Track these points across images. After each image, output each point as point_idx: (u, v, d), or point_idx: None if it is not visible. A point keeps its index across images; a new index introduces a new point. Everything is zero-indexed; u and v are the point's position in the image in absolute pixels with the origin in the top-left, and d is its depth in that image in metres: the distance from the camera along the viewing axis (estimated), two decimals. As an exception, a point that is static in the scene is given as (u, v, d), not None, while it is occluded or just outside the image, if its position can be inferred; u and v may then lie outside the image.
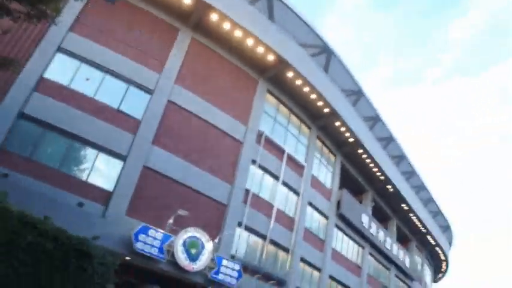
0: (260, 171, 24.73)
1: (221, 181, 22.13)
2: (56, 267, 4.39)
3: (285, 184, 26.03)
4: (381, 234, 36.59)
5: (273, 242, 24.54)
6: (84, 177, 18.92)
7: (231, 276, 19.40)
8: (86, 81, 19.69)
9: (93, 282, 4.90)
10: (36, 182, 17.13)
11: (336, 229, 31.39)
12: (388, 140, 36.48)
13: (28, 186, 16.45)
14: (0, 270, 4.15)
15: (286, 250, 25.50)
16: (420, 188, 43.13)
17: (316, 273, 28.61)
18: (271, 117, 26.57)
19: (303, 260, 26.95)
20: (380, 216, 38.99)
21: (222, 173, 22.30)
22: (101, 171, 19.46)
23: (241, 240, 22.86)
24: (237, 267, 19.84)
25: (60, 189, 17.58)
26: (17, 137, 18.10)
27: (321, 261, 28.85)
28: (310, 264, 27.92)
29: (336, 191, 31.44)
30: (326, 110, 27.92)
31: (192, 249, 18.10)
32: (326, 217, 30.14)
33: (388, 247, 37.75)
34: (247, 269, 21.86)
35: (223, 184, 22.17)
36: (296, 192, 27.01)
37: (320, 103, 27.33)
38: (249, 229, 23.09)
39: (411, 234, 45.14)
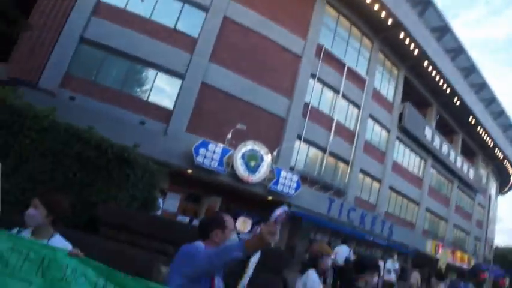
0: (319, 85, 24.27)
1: (280, 95, 22.02)
2: (100, 174, 4.67)
3: (345, 97, 25.50)
4: (445, 148, 35.58)
5: (333, 154, 24.64)
6: (145, 97, 19.66)
7: (289, 187, 19.97)
8: (141, 2, 19.72)
9: (138, 188, 5.18)
10: (100, 104, 17.98)
11: (397, 142, 30.82)
12: (456, 52, 34.05)
13: (93, 107, 17.28)
14: (54, 177, 4.51)
15: (345, 162, 25.61)
16: (491, 101, 40.71)
17: (376, 184, 28.73)
18: (331, 31, 25.50)
19: (362, 171, 27.04)
20: (444, 130, 37.63)
21: (280, 87, 22.13)
22: (161, 90, 20.02)
23: (301, 153, 23.13)
24: (295, 178, 20.33)
25: (123, 109, 18.39)
26: (80, 61, 18.90)
27: (381, 172, 28.83)
28: (369, 176, 28.01)
29: (399, 104, 30.42)
30: (389, 22, 26.24)
31: (251, 161, 18.63)
32: (387, 130, 29.59)
33: (452, 160, 36.83)
34: (306, 180, 22.34)
35: (282, 98, 22.08)
36: (357, 106, 26.48)
37: (383, 14, 25.67)
38: (308, 142, 23.23)
39: (477, 148, 43.42)
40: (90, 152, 4.57)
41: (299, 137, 22.55)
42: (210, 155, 18.03)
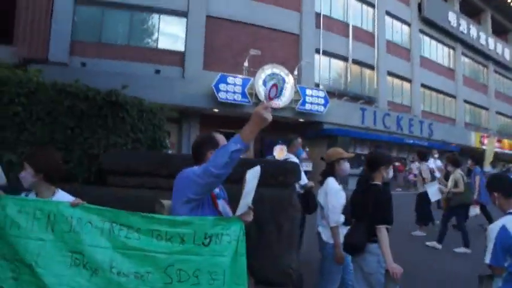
0: (327, -10, 22.99)
1: (288, 10, 20.95)
2: (96, 123, 4.58)
3: (356, -3, 24.13)
4: (473, 31, 33.57)
5: (356, 62, 23.71)
6: (154, 45, 19.22)
7: (318, 104, 19.44)
8: None
9: (140, 130, 5.01)
10: (112, 62, 17.66)
11: (421, 35, 29.27)
12: None
13: (105, 68, 16.98)
14: (54, 137, 4.42)
15: (370, 67, 24.65)
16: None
17: (406, 84, 27.69)
18: None
19: (390, 73, 25.99)
20: (470, 11, 34.86)
21: (287, 1, 21.02)
22: (168, 34, 19.46)
23: (322, 67, 22.31)
24: (321, 93, 19.71)
25: (136, 62, 18.03)
26: (81, 25, 18.55)
27: (409, 71, 27.62)
28: (398, 77, 26.91)
29: (415, -7, 28.60)
30: None
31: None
32: (408, 24, 28.04)
33: (483, 43, 34.81)
34: (334, 94, 21.72)
35: (291, 13, 21.01)
36: (370, 4, 25.06)
37: None
38: (327, 54, 22.33)
39: (510, 22, 40.32)
40: (80, 104, 4.48)
41: (317, 51, 21.69)
42: (232, 88, 17.62)
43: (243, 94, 17.75)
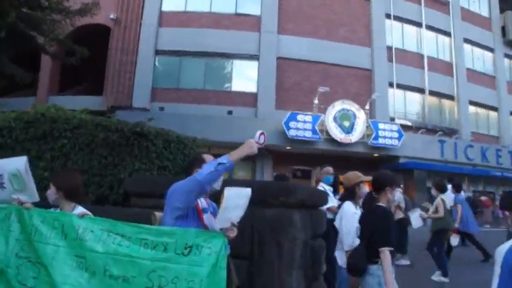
0: (398, 23, 22.64)
1: (358, 46, 20.96)
2: (124, 152, 5.14)
3: (430, 28, 23.41)
4: None
5: (433, 93, 22.73)
6: (228, 88, 20.19)
7: (391, 138, 18.90)
8: None
9: (167, 158, 5.46)
10: (188, 106, 18.79)
11: (506, 59, 27.54)
12: None
13: (182, 111, 18.08)
14: (92, 165, 5.16)
15: (450, 97, 23.52)
16: None
17: (492, 113, 25.85)
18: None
19: (472, 102, 24.46)
20: None
21: (356, 38, 21.08)
22: (241, 77, 20.34)
23: (397, 100, 21.73)
24: (395, 127, 19.19)
25: (210, 105, 19.02)
26: (161, 73, 20.14)
27: (495, 99, 25.77)
28: (482, 106, 25.28)
29: (497, 16, 26.96)
30: None
31: (345, 121, 18.03)
32: (491, 49, 26.50)
33: None
34: (410, 127, 21.06)
35: (361, 49, 20.98)
36: (446, 33, 24.18)
37: None
38: (402, 86, 21.79)
39: None
40: (113, 136, 5.07)
41: (391, 85, 21.28)
42: (302, 125, 17.83)
43: (314, 131, 17.85)
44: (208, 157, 3.21)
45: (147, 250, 2.77)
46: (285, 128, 17.69)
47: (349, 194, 4.64)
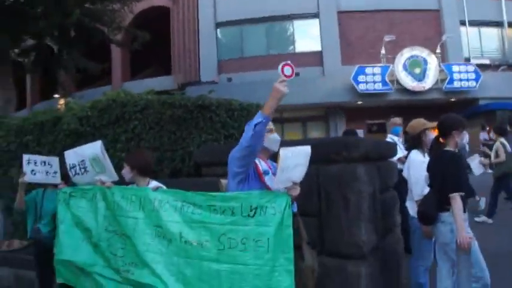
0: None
1: (423, -14, 19.60)
2: (190, 126, 5.39)
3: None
4: None
5: (513, 25, 21.01)
6: (291, 50, 19.99)
7: (468, 80, 17.76)
8: None
9: (232, 127, 5.65)
10: (254, 73, 18.93)
11: None
12: None
13: (249, 80, 18.31)
14: (162, 142, 5.52)
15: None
16: None
17: None
18: None
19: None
20: None
21: (421, -22, 19.79)
22: (303, 37, 20.07)
23: (471, 39, 20.13)
24: (471, 68, 17.90)
25: (275, 70, 18.67)
26: (224, 45, 20.38)
27: None
28: None
29: None
30: None
31: (415, 68, 17.25)
32: None
33: None
34: (489, 65, 19.66)
35: (427, -12, 19.62)
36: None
37: None
38: (475, 23, 20.14)
39: None
40: (178, 111, 5.35)
41: (462, 23, 19.79)
42: (371, 78, 17.35)
43: (384, 82, 17.31)
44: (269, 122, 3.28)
45: (216, 215, 2.96)
46: (354, 83, 17.34)
47: (416, 142, 4.50)
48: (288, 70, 2.85)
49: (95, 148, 3.81)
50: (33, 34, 10.62)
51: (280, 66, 2.81)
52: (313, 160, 3.84)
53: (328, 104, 18.36)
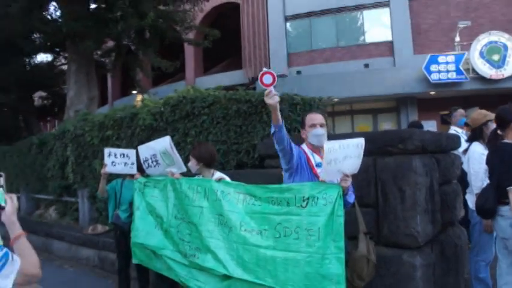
0: None
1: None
2: (255, 120, 5.61)
3: None
4: None
5: None
6: (362, 40, 19.71)
7: (556, 65, 16.52)
8: None
9: (295, 120, 5.84)
10: (324, 65, 18.98)
11: None
12: None
13: (319, 72, 18.36)
14: (229, 135, 5.83)
15: None
16: None
17: None
18: None
19: None
20: None
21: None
22: (373, 27, 19.69)
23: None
24: (559, 50, 16.62)
25: (345, 61, 18.89)
26: (293, 38, 20.55)
27: None
28: None
29: None
30: None
31: (494, 55, 16.27)
32: None
33: None
34: None
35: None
36: None
37: None
38: None
39: None
40: (243, 106, 5.59)
41: (549, 1, 18.40)
42: (444, 67, 16.61)
43: (458, 71, 16.52)
44: (308, 117, 3.45)
45: (274, 206, 3.18)
46: (426, 73, 16.73)
47: (477, 134, 4.43)
48: (267, 78, 2.95)
49: (164, 142, 4.17)
50: (113, 36, 11.44)
51: (259, 76, 2.94)
52: (370, 152, 4.00)
53: (400, 95, 17.90)
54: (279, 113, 2.95)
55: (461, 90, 16.83)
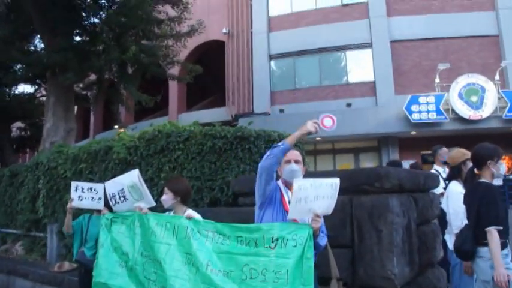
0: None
1: (479, 13, 18.99)
2: (230, 157, 5.60)
3: None
4: None
5: None
6: (344, 80, 20.05)
7: (531, 107, 16.93)
8: None
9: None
10: (306, 104, 19.15)
11: None
12: None
13: (301, 111, 18.44)
14: (203, 171, 5.73)
15: None
16: None
17: None
18: None
19: None
20: None
21: (475, 3, 19.15)
22: (356, 68, 20.05)
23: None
24: (532, 94, 17.12)
25: (328, 101, 19.12)
26: (277, 77, 20.96)
27: None
28: None
29: None
30: None
31: (472, 96, 16.59)
32: None
33: None
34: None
35: (483, 14, 18.99)
36: None
37: None
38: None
39: None
40: (219, 142, 5.59)
41: (524, 48, 19.00)
42: (424, 108, 16.89)
43: (439, 111, 16.80)
44: (287, 153, 3.31)
45: (242, 246, 3.04)
46: (407, 113, 16.98)
47: (455, 173, 4.39)
48: (328, 122, 3.11)
49: (132, 176, 4.02)
50: (94, 69, 11.43)
51: (320, 117, 3.07)
52: (346, 190, 3.88)
53: (381, 135, 18.09)
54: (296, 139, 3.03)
55: (441, 130, 17.08)
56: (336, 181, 2.87)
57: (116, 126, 18.28)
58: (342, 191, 2.95)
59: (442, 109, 16.78)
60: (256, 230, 3.01)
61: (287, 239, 2.85)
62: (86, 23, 11.60)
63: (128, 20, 10.23)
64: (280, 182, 3.32)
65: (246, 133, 5.69)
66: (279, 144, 2.98)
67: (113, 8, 11.19)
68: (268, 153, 3.01)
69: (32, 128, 21.48)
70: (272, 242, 2.90)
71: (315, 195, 2.79)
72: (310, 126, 2.90)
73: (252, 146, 5.71)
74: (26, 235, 9.36)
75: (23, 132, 22.69)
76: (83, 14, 11.39)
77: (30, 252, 9.05)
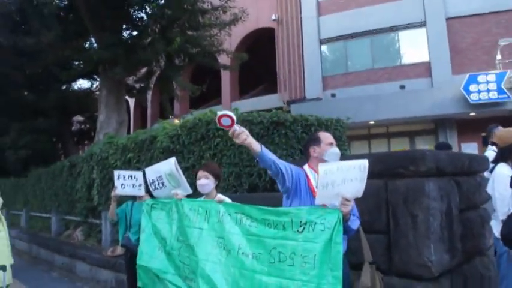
0: None
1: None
2: (266, 141, 5.63)
3: None
4: None
5: None
6: (398, 62, 19.37)
7: None
8: None
9: (303, 140, 5.75)
10: (359, 88, 18.76)
11: None
12: None
13: (353, 94, 18.15)
14: (242, 158, 5.83)
15: None
16: None
17: None
18: None
19: None
20: None
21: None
22: (410, 48, 19.33)
23: None
24: None
25: (381, 83, 18.61)
26: (328, 61, 20.53)
27: None
28: None
29: None
30: None
31: (538, 73, 15.60)
32: None
33: None
34: None
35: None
36: None
37: None
38: None
39: None
40: (256, 128, 5.60)
41: None
42: (484, 87, 16.00)
43: (500, 90, 15.88)
44: (324, 135, 3.32)
45: (270, 229, 3.04)
46: (464, 93, 16.19)
47: (505, 154, 3.99)
48: (226, 121, 2.98)
49: (169, 164, 4.15)
50: (142, 63, 11.78)
51: (216, 119, 2.96)
52: (381, 174, 3.78)
53: (438, 117, 17.36)
54: (253, 146, 2.90)
55: (503, 110, 16.13)
56: (363, 162, 2.76)
57: (171, 117, 18.80)
58: (376, 175, 2.91)
59: (504, 88, 15.83)
60: (285, 214, 3.00)
61: (315, 223, 2.81)
62: (133, 17, 11.95)
63: (172, 12, 10.42)
64: (306, 167, 3.28)
65: (281, 118, 5.68)
66: (257, 150, 2.92)
67: (158, 1, 11.45)
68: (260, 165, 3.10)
69: (90, 121, 22.57)
70: (300, 226, 2.88)
71: (342, 179, 2.74)
72: (237, 139, 2.95)
73: (289, 131, 5.69)
74: (84, 222, 9.93)
75: (82, 126, 23.93)
76: (130, 9, 11.74)
77: (88, 238, 9.61)
